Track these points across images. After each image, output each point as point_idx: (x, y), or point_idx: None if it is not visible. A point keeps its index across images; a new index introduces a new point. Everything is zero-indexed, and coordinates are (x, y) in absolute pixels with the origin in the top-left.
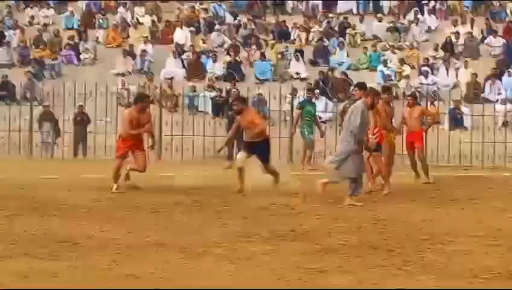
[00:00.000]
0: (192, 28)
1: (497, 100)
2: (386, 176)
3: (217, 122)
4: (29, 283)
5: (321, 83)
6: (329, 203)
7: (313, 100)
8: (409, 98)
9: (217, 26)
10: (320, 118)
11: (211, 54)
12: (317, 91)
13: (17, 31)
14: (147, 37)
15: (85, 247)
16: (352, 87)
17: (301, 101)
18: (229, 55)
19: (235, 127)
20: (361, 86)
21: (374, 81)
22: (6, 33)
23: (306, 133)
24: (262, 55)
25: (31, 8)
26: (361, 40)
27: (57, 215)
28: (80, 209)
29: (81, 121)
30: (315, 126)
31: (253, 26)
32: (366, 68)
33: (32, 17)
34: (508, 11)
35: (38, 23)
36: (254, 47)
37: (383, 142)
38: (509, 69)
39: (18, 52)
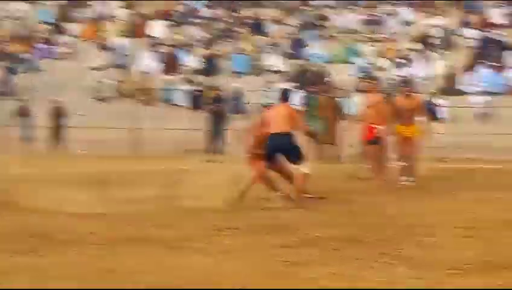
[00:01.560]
0: (168, 22)
1: (472, 92)
2: None
3: (194, 115)
4: (8, 279)
5: (298, 76)
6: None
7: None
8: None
9: (193, 20)
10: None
11: (187, 48)
12: (293, 84)
13: None
14: (122, 30)
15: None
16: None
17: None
18: (206, 48)
19: None
20: None
21: (349, 74)
22: None
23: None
24: (239, 48)
25: (6, 1)
26: (337, 32)
27: (33, 211)
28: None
29: (57, 114)
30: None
31: (229, 20)
32: (342, 61)
33: (7, 11)
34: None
35: (13, 17)
36: (230, 40)
37: None
38: (485, 61)
39: None
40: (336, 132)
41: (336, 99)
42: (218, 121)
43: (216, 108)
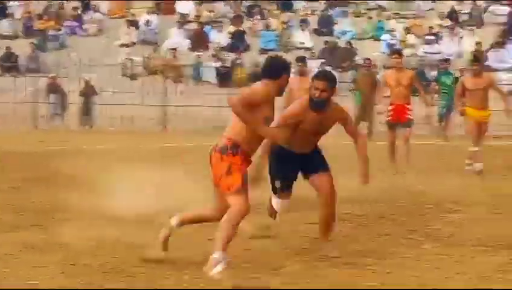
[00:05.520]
0: None
1: (501, 69)
2: None
3: (222, 92)
4: (36, 254)
5: (326, 53)
6: None
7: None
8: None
9: None
10: None
11: (215, 24)
12: (322, 61)
13: (21, 2)
14: (151, 7)
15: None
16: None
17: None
18: (233, 25)
19: None
20: None
21: (378, 50)
22: (9, 4)
23: None
24: (267, 25)
25: None
26: (365, 9)
27: (64, 186)
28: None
29: (88, 92)
30: None
31: None
32: (370, 38)
33: None
34: None
35: None
36: (258, 17)
37: None
38: None
39: (22, 23)
40: (372, 109)
41: (374, 76)
42: None
43: None
